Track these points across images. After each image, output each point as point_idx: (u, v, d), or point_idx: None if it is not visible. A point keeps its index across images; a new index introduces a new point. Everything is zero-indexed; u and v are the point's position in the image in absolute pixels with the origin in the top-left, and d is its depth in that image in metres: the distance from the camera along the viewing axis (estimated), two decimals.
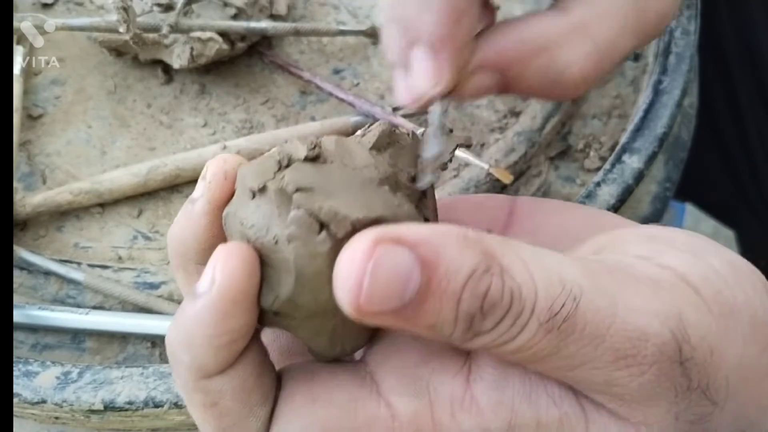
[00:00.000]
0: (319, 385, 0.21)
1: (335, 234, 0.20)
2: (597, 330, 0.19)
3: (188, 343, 0.20)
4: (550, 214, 0.26)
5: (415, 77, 0.26)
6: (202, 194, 0.22)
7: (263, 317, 0.21)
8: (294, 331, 0.22)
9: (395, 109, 0.41)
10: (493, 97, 0.42)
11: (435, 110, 0.26)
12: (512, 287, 0.18)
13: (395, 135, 0.24)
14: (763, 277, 0.22)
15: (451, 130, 0.26)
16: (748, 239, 0.66)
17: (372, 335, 0.22)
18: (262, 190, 0.21)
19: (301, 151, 0.21)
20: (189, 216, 0.23)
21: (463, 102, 0.28)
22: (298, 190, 0.20)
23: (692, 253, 0.21)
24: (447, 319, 0.19)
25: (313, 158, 0.21)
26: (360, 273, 0.18)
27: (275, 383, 0.22)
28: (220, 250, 0.20)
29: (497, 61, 0.27)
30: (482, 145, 0.40)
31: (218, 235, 0.22)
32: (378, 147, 0.23)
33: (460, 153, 0.37)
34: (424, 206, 0.23)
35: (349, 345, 0.22)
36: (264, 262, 0.20)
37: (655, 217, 0.40)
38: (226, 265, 0.19)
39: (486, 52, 0.27)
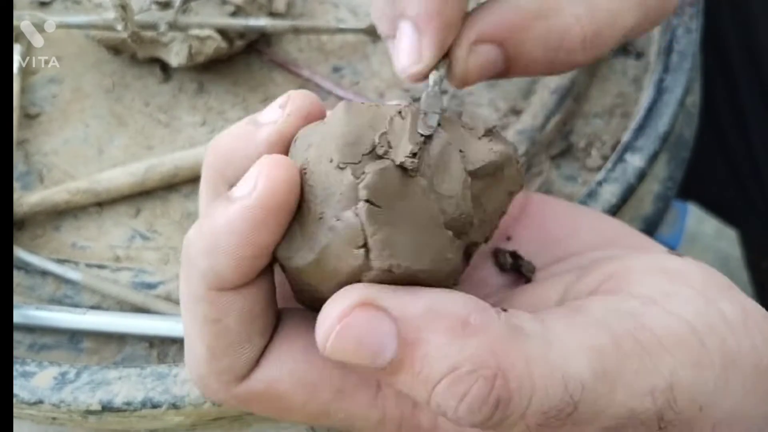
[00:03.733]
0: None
1: (370, 262, 0.19)
2: (590, 416, 0.19)
3: (211, 249, 0.19)
4: (559, 215, 0.26)
5: (399, 53, 0.25)
6: (274, 122, 0.21)
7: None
8: (292, 283, 0.22)
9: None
10: (494, 96, 0.41)
11: (429, 81, 0.25)
12: (500, 396, 0.18)
13: (508, 163, 0.22)
14: None
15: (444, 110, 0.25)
16: (751, 239, 0.66)
17: None
18: (342, 167, 0.20)
19: (402, 151, 0.20)
20: (248, 137, 0.22)
21: (468, 83, 0.27)
22: (368, 201, 0.19)
23: (704, 297, 0.21)
24: (420, 397, 0.18)
25: (409, 169, 0.20)
26: (329, 329, 0.18)
27: (276, 320, 0.22)
28: (268, 158, 0.19)
29: (494, 32, 0.26)
30: None
31: None
32: (481, 174, 0.22)
33: None
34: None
35: None
36: (302, 217, 0.20)
37: (657, 216, 0.40)
38: (272, 173, 0.19)
39: (481, 24, 0.26)
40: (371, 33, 0.43)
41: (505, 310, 0.20)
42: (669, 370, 0.20)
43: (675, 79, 0.39)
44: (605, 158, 0.40)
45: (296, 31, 0.43)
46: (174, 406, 0.29)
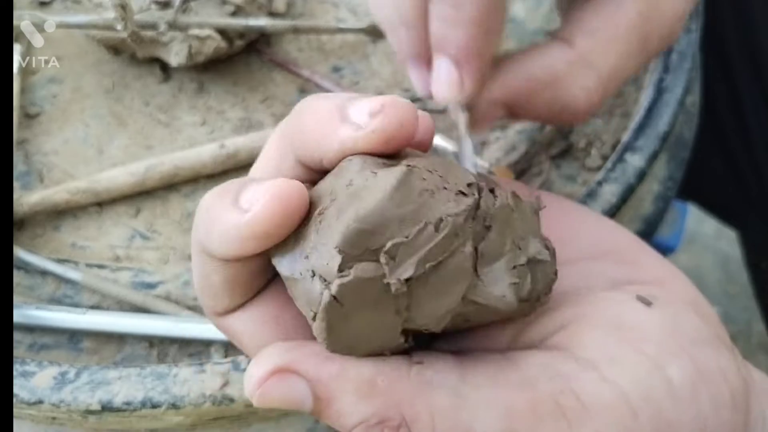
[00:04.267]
0: (287, 316, 0.22)
1: (312, 327, 0.20)
2: None
3: (208, 229, 0.21)
4: (561, 218, 0.26)
5: (439, 85, 0.27)
6: (356, 128, 0.21)
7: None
8: None
9: None
10: None
11: (466, 143, 0.28)
12: None
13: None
14: (735, 383, 0.22)
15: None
16: (751, 239, 0.66)
17: None
18: (339, 252, 0.18)
19: (400, 272, 0.18)
20: (328, 128, 0.21)
21: (477, 133, 0.30)
22: (334, 297, 0.19)
23: (652, 362, 0.21)
24: None
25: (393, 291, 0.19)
26: (252, 391, 0.20)
27: (264, 282, 0.23)
28: (274, 183, 0.20)
29: (507, 98, 0.28)
30: (483, 144, 0.40)
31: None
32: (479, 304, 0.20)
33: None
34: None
35: None
36: (299, 233, 0.20)
37: (657, 216, 0.40)
38: (269, 203, 0.19)
39: (496, 90, 0.28)
40: (371, 33, 0.43)
41: (420, 363, 0.21)
42: None
43: (675, 78, 0.39)
44: (605, 158, 0.40)
45: (296, 31, 0.43)
46: (174, 406, 0.29)
